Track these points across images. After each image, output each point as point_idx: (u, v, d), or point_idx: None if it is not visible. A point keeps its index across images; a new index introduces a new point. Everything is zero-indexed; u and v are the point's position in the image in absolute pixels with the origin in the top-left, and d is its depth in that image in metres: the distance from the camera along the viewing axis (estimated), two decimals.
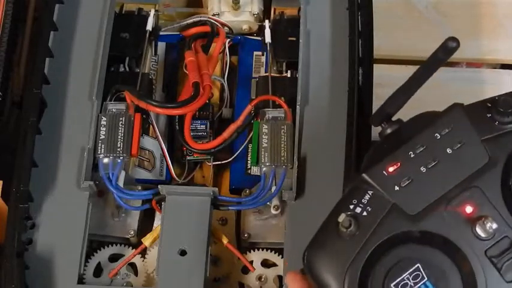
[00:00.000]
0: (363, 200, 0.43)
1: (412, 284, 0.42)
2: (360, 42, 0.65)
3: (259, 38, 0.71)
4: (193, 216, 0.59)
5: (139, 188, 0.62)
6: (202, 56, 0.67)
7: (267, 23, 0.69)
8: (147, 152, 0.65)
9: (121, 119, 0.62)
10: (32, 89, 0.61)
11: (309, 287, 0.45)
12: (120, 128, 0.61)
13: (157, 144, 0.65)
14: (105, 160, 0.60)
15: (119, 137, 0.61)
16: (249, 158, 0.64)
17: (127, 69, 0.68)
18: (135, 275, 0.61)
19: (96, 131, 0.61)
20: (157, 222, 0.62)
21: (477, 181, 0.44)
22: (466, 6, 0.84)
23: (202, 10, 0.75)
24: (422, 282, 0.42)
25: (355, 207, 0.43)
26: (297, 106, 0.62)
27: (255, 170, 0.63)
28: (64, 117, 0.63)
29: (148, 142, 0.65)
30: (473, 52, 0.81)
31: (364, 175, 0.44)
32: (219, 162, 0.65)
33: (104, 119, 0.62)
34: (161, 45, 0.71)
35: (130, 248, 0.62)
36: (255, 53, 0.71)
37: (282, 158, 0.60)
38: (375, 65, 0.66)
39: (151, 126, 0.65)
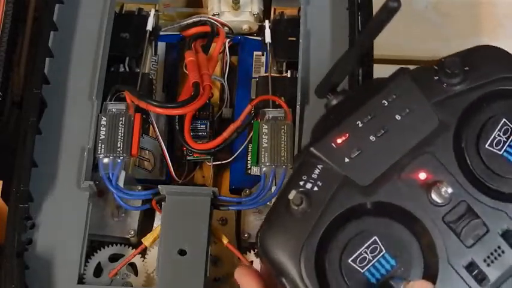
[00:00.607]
0: (312, 175, 0.42)
1: (371, 258, 0.41)
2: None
3: (259, 38, 0.71)
4: (193, 216, 0.59)
5: (139, 188, 0.62)
6: (202, 56, 0.67)
7: (267, 23, 0.69)
8: (147, 152, 0.65)
9: (121, 119, 0.62)
10: (32, 89, 0.61)
11: (259, 277, 0.43)
12: (120, 128, 0.61)
13: (157, 144, 0.65)
14: (105, 160, 0.60)
15: (119, 137, 0.61)
16: (249, 158, 0.64)
17: (127, 69, 0.68)
18: (135, 275, 0.61)
19: (96, 131, 0.61)
20: (157, 222, 0.62)
21: (429, 146, 0.43)
22: (466, 6, 0.84)
23: (202, 10, 0.75)
24: (380, 255, 0.41)
25: (305, 183, 0.42)
26: (297, 106, 0.62)
27: (255, 170, 0.63)
28: (64, 117, 0.63)
29: (148, 142, 0.65)
30: None
31: (312, 149, 0.43)
32: (219, 162, 0.65)
33: (104, 119, 0.62)
34: (161, 45, 0.71)
35: (130, 248, 0.62)
36: (255, 53, 0.71)
37: (282, 158, 0.60)
38: (374, 65, 0.65)
39: (151, 126, 0.65)
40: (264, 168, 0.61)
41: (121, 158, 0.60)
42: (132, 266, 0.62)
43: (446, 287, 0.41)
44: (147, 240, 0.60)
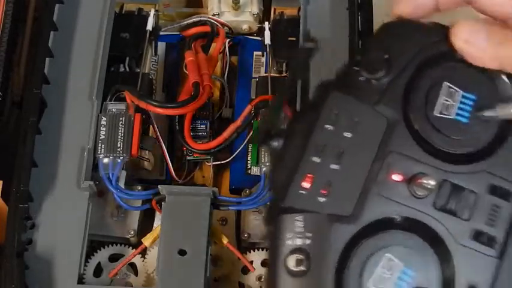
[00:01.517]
0: (297, 230, 0.40)
1: (390, 275, 0.40)
2: (360, 42, 0.65)
3: (259, 38, 0.71)
4: (193, 216, 0.59)
5: (139, 188, 0.62)
6: (202, 56, 0.67)
7: (266, 25, 0.69)
8: (147, 152, 0.65)
9: (121, 119, 0.62)
10: (32, 89, 0.61)
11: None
12: (120, 128, 0.61)
13: (157, 144, 0.65)
14: (105, 160, 0.60)
15: (119, 137, 0.61)
16: (249, 158, 0.64)
17: (127, 69, 0.68)
18: (135, 275, 0.61)
19: (96, 131, 0.61)
20: (157, 222, 0.62)
21: (389, 146, 0.42)
22: (466, 6, 0.84)
23: (202, 10, 0.75)
24: (399, 270, 0.40)
25: (294, 241, 0.40)
26: (297, 106, 0.62)
27: (255, 170, 0.63)
28: (64, 117, 0.63)
29: (148, 142, 0.65)
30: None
31: (283, 205, 0.41)
32: (219, 162, 0.65)
33: (104, 119, 0.62)
34: (161, 45, 0.71)
35: (130, 248, 0.62)
36: (255, 53, 0.71)
37: None
38: None
39: (151, 126, 0.65)
40: (264, 168, 0.61)
41: (121, 158, 0.60)
42: (132, 266, 0.62)
43: (466, 266, 0.41)
44: (147, 240, 0.60)
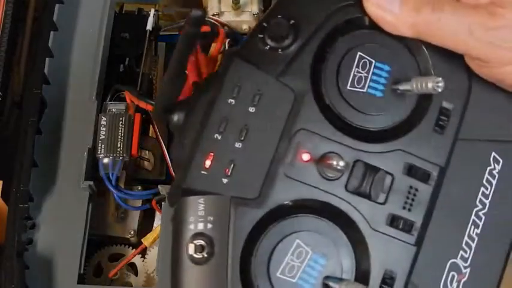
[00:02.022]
0: (199, 213, 0.38)
1: (299, 264, 0.37)
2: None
3: None
4: None
5: (140, 188, 0.62)
6: (202, 56, 0.67)
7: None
8: (147, 152, 0.65)
9: (121, 119, 0.62)
10: (32, 89, 0.61)
11: None
12: (120, 128, 0.61)
13: (157, 144, 0.65)
14: (105, 160, 0.60)
15: (119, 137, 0.61)
16: None
17: (127, 69, 0.68)
18: (135, 275, 0.61)
19: (96, 131, 0.61)
20: (157, 222, 0.62)
21: (297, 122, 0.39)
22: None
23: None
24: (308, 258, 0.38)
25: (196, 226, 0.38)
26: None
27: None
28: (64, 117, 0.63)
29: (148, 142, 0.65)
30: None
31: (184, 186, 0.38)
32: None
33: (104, 119, 0.62)
34: (161, 45, 0.71)
35: (130, 248, 0.62)
36: None
37: None
38: None
39: (151, 126, 0.65)
40: None
41: (121, 158, 0.60)
42: (132, 266, 0.62)
43: (382, 254, 0.38)
44: (147, 240, 0.60)
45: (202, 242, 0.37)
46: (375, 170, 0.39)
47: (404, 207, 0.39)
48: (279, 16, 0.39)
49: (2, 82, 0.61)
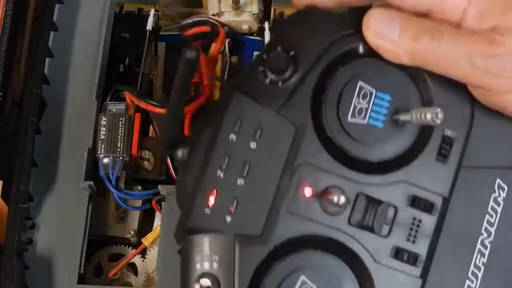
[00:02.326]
0: (204, 253, 0.37)
1: None
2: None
3: (259, 38, 0.71)
4: None
5: (140, 188, 0.62)
6: (202, 56, 0.67)
7: (266, 25, 0.69)
8: (147, 152, 0.65)
9: (121, 119, 0.62)
10: (32, 89, 0.61)
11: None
12: (120, 128, 0.61)
13: (157, 144, 0.65)
14: (105, 160, 0.60)
15: (119, 137, 0.61)
16: None
17: (127, 69, 0.68)
18: (135, 275, 0.61)
19: (96, 131, 0.61)
20: (157, 222, 0.62)
21: (299, 157, 0.38)
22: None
23: (202, 10, 0.75)
24: None
25: (202, 266, 0.37)
26: None
27: None
28: (64, 117, 0.63)
29: (148, 142, 0.65)
30: None
31: (188, 225, 0.38)
32: None
33: (104, 119, 0.62)
34: (161, 45, 0.71)
35: (130, 248, 0.62)
36: (255, 53, 0.70)
37: None
38: None
39: (151, 126, 0.65)
40: None
41: (121, 158, 0.60)
42: (132, 266, 0.62)
43: (387, 286, 0.38)
44: (147, 240, 0.60)
45: (208, 283, 0.37)
46: (378, 202, 0.39)
47: (408, 239, 0.39)
48: (279, 48, 0.39)
49: (2, 82, 0.61)
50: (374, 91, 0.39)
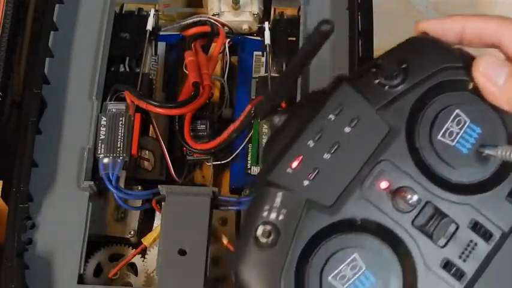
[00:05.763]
0: (274, 205, 0.41)
1: (351, 275, 0.40)
2: (360, 42, 0.65)
3: (259, 38, 0.71)
4: (193, 216, 0.58)
5: (140, 188, 0.62)
6: (202, 56, 0.67)
7: (266, 25, 0.69)
8: (147, 152, 0.65)
9: (121, 119, 0.62)
10: (32, 89, 0.61)
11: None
12: (120, 128, 0.61)
13: (157, 144, 0.65)
14: (105, 160, 0.60)
15: (119, 137, 0.61)
16: (249, 158, 0.64)
17: (127, 69, 0.68)
18: (135, 275, 0.61)
19: (96, 131, 0.61)
20: (157, 222, 0.62)
21: (384, 153, 0.42)
22: (466, 7, 0.84)
23: (202, 10, 0.75)
24: (361, 272, 0.40)
25: (269, 214, 0.41)
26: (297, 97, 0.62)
27: (255, 170, 0.63)
28: (64, 117, 0.63)
29: (148, 142, 0.65)
30: (473, 52, 0.81)
31: (269, 178, 0.41)
32: (219, 162, 0.65)
33: (104, 119, 0.62)
34: (161, 45, 0.71)
35: (131, 248, 0.62)
36: (255, 53, 0.71)
37: None
38: None
39: (151, 126, 0.65)
40: None
41: (121, 158, 0.60)
42: (132, 266, 0.62)
43: None
44: (147, 240, 0.60)
45: (270, 229, 0.40)
46: (443, 215, 0.41)
47: (460, 257, 0.41)
48: (395, 58, 0.43)
49: (2, 82, 0.61)
50: (468, 121, 0.42)
